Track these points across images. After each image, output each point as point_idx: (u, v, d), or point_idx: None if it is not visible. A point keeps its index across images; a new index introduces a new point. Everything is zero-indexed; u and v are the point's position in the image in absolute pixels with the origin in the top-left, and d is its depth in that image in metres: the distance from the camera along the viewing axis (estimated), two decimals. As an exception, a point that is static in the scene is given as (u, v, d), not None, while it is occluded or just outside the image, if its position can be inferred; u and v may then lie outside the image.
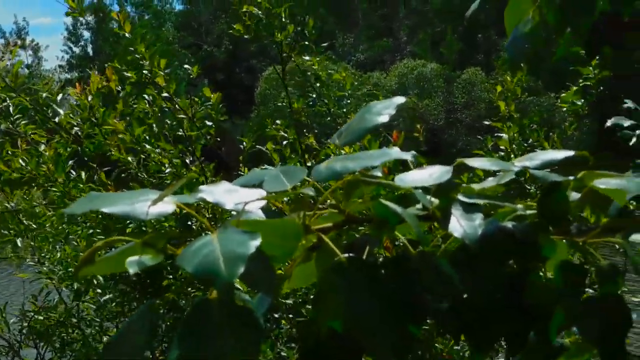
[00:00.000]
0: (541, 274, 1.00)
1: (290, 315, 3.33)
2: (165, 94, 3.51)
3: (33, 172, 3.31)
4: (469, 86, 31.69)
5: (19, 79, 3.50)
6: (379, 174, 0.96)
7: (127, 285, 3.49)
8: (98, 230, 3.43)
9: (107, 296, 3.67)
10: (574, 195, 1.00)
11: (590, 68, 3.84)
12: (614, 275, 0.97)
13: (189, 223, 3.11)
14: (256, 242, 0.70)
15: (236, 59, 41.49)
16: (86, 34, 49.23)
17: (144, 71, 3.51)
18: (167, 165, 3.40)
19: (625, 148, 2.20)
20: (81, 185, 3.34)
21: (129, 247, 0.80)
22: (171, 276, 3.28)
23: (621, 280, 0.94)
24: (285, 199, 1.06)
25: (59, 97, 3.54)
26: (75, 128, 3.41)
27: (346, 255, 0.85)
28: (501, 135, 3.81)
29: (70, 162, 3.42)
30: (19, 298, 4.66)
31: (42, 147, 3.38)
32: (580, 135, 21.41)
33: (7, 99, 3.47)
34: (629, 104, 1.64)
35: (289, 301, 3.23)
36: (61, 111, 3.46)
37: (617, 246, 1.00)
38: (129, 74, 3.54)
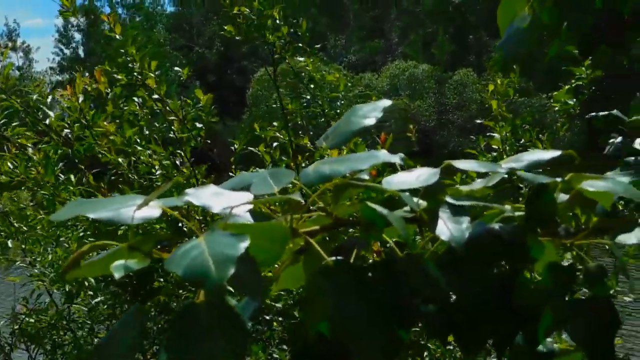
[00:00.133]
0: (529, 275, 1.00)
1: (281, 318, 3.32)
2: (156, 96, 3.50)
3: (22, 176, 3.30)
4: (460, 87, 31.76)
5: (10, 81, 3.49)
6: (367, 176, 0.96)
7: (118, 287, 3.48)
8: (89, 233, 3.42)
9: (99, 298, 3.66)
10: (562, 197, 1.00)
11: (583, 68, 3.85)
12: (602, 276, 0.97)
13: (180, 225, 3.11)
14: (244, 244, 0.70)
15: (228, 61, 41.48)
16: (77, 36, 49.23)
17: (135, 73, 3.50)
18: (157, 168, 3.39)
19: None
20: (71, 188, 3.33)
21: (115, 251, 0.80)
22: (162, 278, 3.27)
23: (614, 280, 0.94)
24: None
25: (49, 99, 3.53)
26: (66, 130, 3.40)
27: (333, 258, 0.85)
28: (494, 134, 3.81)
29: (60, 164, 3.41)
30: (10, 300, 4.64)
31: (30, 150, 3.36)
32: (572, 136, 21.47)
33: (-2, 101, 3.46)
34: (616, 112, 1.64)
35: (280, 303, 3.22)
36: (52, 113, 3.44)
37: (607, 247, 1.00)
38: (119, 76, 3.53)
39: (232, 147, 3.81)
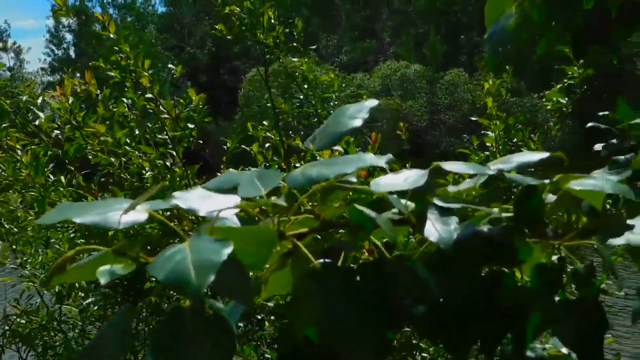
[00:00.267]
0: (520, 276, 1.00)
1: (273, 317, 3.32)
2: (149, 95, 3.49)
3: (10, 178, 3.28)
4: (452, 87, 31.77)
5: (1, 81, 3.48)
6: (354, 179, 0.96)
7: (109, 288, 3.47)
8: (80, 234, 3.41)
9: (90, 299, 3.65)
10: (551, 198, 1.00)
11: (575, 68, 3.86)
12: (590, 277, 0.97)
13: (172, 224, 3.09)
14: (228, 250, 0.70)
15: (219, 61, 41.41)
16: (68, 37, 49.07)
17: (129, 70, 3.49)
18: (147, 169, 3.38)
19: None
20: (61, 189, 3.31)
21: (101, 255, 0.80)
22: (153, 279, 3.26)
23: (604, 276, 0.94)
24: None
25: (39, 100, 3.51)
26: (56, 131, 3.39)
27: (320, 261, 0.85)
28: (488, 133, 3.81)
29: (50, 165, 3.39)
30: (1, 302, 4.63)
31: (19, 152, 3.34)
32: (563, 135, 21.51)
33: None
34: (611, 115, 1.65)
35: (272, 302, 3.22)
36: (42, 114, 3.43)
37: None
38: (112, 73, 3.52)
39: (225, 146, 3.81)
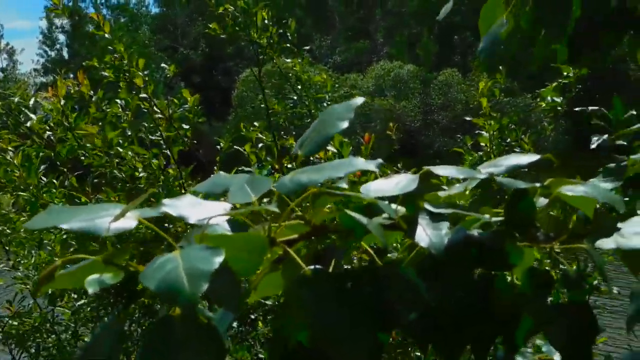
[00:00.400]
0: (509, 280, 1.00)
1: (268, 317, 3.32)
2: (143, 95, 3.49)
3: (2, 180, 3.26)
4: (445, 87, 31.81)
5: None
6: (345, 185, 0.95)
7: (101, 290, 3.46)
8: (72, 235, 3.39)
9: (82, 301, 3.64)
10: (542, 201, 1.00)
11: (570, 67, 3.86)
12: (580, 281, 0.98)
13: (165, 225, 3.08)
14: (219, 259, 0.70)
15: (213, 62, 41.39)
16: (61, 38, 48.96)
17: (123, 69, 3.48)
18: (140, 170, 3.36)
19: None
20: (54, 191, 3.30)
21: (89, 263, 0.79)
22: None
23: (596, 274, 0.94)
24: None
25: (32, 101, 3.49)
26: (48, 132, 3.37)
27: (311, 267, 0.85)
28: (482, 132, 3.82)
29: (42, 167, 3.38)
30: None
31: (11, 153, 3.32)
32: (557, 135, 21.55)
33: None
34: (604, 110, 1.66)
35: (270, 301, 3.21)
36: (34, 116, 3.41)
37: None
38: (106, 73, 3.51)
39: (219, 146, 3.80)
